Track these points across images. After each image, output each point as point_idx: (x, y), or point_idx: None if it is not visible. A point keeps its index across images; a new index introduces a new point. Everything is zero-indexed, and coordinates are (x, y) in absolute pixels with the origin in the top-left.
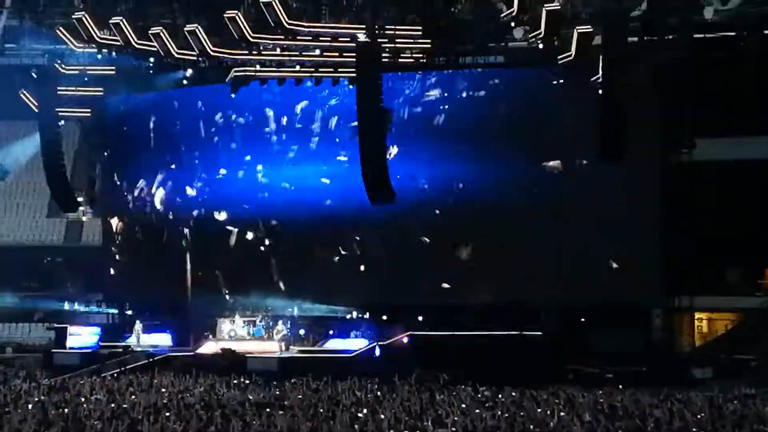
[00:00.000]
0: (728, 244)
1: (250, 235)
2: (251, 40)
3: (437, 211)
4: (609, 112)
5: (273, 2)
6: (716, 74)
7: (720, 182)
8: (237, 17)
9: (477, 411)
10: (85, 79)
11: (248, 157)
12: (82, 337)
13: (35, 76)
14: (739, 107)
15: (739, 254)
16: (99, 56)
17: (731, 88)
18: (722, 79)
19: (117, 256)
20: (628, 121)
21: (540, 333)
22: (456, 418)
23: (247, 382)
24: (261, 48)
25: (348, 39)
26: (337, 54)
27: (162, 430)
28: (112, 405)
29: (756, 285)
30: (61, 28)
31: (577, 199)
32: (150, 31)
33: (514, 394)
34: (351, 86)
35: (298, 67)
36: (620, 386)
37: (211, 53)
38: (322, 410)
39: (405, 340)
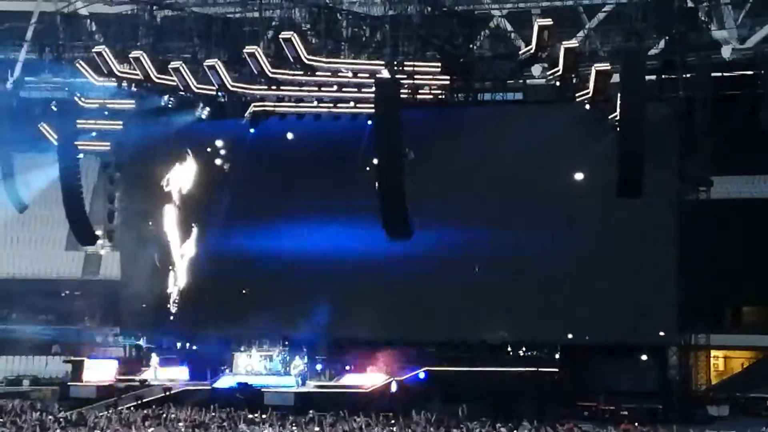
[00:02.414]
0: (744, 282)
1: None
2: (270, 75)
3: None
4: (626, 149)
5: (292, 38)
6: (733, 112)
7: (736, 220)
8: (256, 52)
9: None
10: (105, 112)
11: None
12: (99, 370)
13: (55, 109)
14: (755, 145)
15: (756, 292)
16: (119, 90)
17: (748, 127)
18: (739, 117)
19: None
20: (646, 158)
21: (556, 370)
22: None
23: (264, 416)
24: (280, 83)
25: (367, 75)
26: (356, 89)
27: None
28: None
29: None
30: (81, 61)
31: (593, 237)
32: (170, 66)
33: (530, 430)
34: (369, 122)
35: (316, 103)
36: (636, 423)
37: (231, 88)
38: None
39: (422, 375)
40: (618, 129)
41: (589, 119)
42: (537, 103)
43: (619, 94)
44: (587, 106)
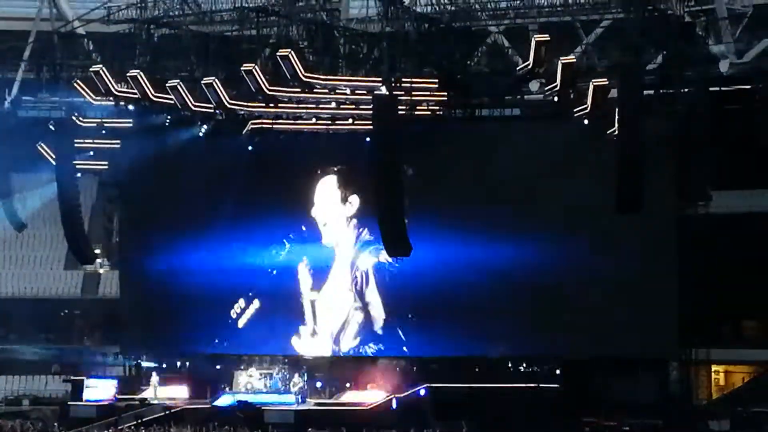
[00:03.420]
0: (745, 296)
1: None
2: (268, 92)
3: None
4: (625, 164)
5: (290, 55)
6: (732, 126)
7: (736, 234)
8: (254, 70)
9: None
10: (103, 131)
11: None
12: (98, 390)
13: (53, 128)
14: (754, 159)
15: (756, 306)
16: (116, 109)
17: (747, 140)
18: (738, 131)
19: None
20: (644, 173)
21: (557, 386)
22: None
23: None
24: (278, 100)
25: (364, 92)
26: (353, 106)
27: None
28: None
29: None
30: (78, 81)
31: (593, 252)
32: (167, 84)
33: None
34: (367, 139)
35: (314, 120)
36: None
37: (228, 106)
38: None
39: (422, 392)
40: (616, 144)
41: (587, 134)
42: (535, 119)
43: (616, 109)
44: (585, 122)
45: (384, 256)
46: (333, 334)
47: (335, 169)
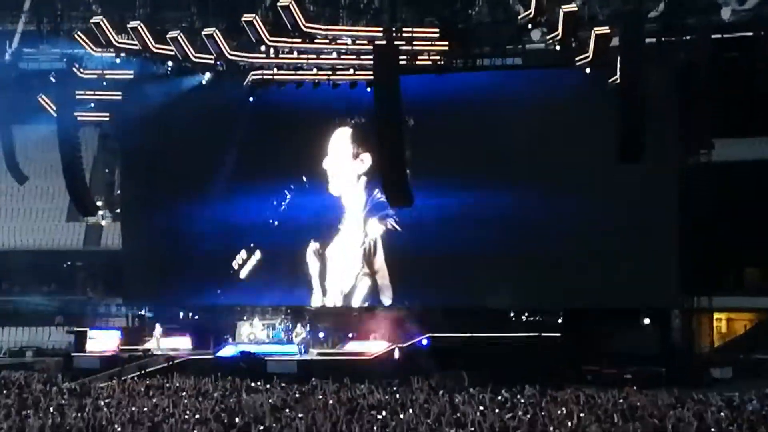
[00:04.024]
0: (747, 244)
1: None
2: (269, 43)
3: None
4: (627, 113)
5: (290, 5)
6: (734, 74)
7: (738, 182)
8: (254, 21)
9: (497, 412)
10: (104, 83)
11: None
12: (102, 341)
13: (53, 80)
14: (757, 107)
15: (758, 254)
16: (117, 60)
17: (749, 89)
18: (740, 79)
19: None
20: (646, 122)
21: (559, 335)
22: (476, 420)
23: (267, 385)
24: (278, 51)
25: (365, 42)
26: (354, 57)
27: None
28: (132, 408)
29: None
30: (79, 32)
31: (595, 201)
32: (168, 35)
33: (533, 395)
34: (369, 89)
35: (315, 70)
36: (639, 387)
37: (229, 57)
38: (341, 413)
39: (424, 342)
40: (618, 93)
41: (588, 83)
42: (536, 68)
43: (618, 58)
44: (587, 70)
45: (391, 223)
46: (343, 294)
47: (351, 122)
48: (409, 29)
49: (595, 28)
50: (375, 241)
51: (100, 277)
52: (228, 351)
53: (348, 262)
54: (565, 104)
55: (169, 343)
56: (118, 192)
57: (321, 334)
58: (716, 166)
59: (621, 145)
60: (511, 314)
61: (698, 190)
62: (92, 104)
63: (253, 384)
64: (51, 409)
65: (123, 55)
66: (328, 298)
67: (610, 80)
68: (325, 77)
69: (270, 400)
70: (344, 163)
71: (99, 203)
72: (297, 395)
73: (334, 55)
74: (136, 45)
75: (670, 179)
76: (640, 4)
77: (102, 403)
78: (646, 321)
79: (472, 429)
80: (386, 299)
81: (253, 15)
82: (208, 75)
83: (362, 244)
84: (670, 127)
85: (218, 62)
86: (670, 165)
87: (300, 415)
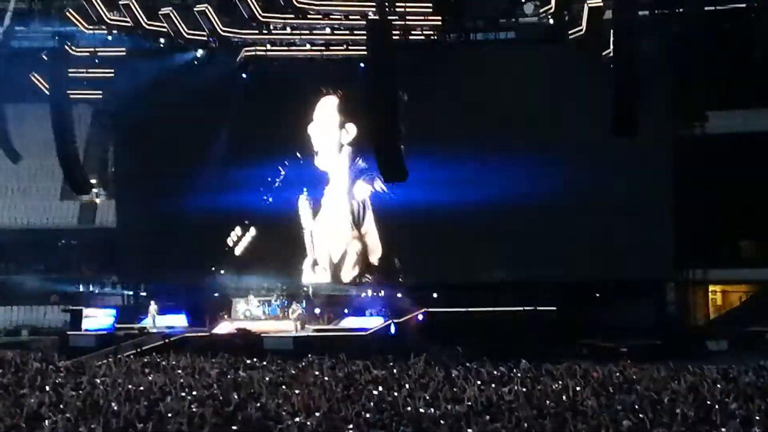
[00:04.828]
0: (741, 217)
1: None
2: (261, 19)
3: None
4: (621, 86)
5: None
6: (727, 46)
7: (733, 154)
8: None
9: (493, 386)
10: (96, 60)
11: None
12: (97, 319)
13: (46, 58)
14: (751, 79)
15: (753, 226)
16: (109, 38)
17: (742, 60)
18: (733, 50)
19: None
20: (640, 95)
21: (554, 308)
22: (472, 394)
23: (263, 362)
24: (271, 27)
25: (358, 17)
26: (347, 32)
27: (178, 411)
28: (129, 386)
29: None
30: (70, 10)
31: (589, 175)
32: (160, 12)
33: (529, 369)
34: (362, 64)
35: (308, 46)
36: (634, 360)
37: (222, 33)
38: (338, 388)
39: (420, 317)
40: (611, 66)
41: (582, 57)
42: (530, 42)
43: (611, 31)
44: (580, 44)
45: (379, 185)
46: (333, 264)
47: (339, 93)
48: (402, 4)
49: (588, 1)
50: (363, 202)
51: (95, 256)
52: (224, 328)
53: (339, 229)
54: (559, 79)
55: (164, 321)
56: (112, 170)
57: (317, 311)
58: (711, 138)
59: (615, 119)
60: (507, 289)
61: (692, 163)
62: (85, 82)
63: (249, 361)
64: (47, 388)
65: (115, 32)
66: (321, 268)
67: (604, 53)
68: (319, 53)
69: (266, 377)
70: (329, 132)
71: (93, 181)
72: (293, 372)
73: (327, 30)
74: (128, 22)
75: (664, 152)
76: None
77: (98, 381)
78: (642, 294)
79: (469, 403)
80: (374, 257)
81: None
82: (200, 52)
83: (350, 209)
84: (664, 99)
85: (211, 39)
86: (665, 137)
87: (296, 392)
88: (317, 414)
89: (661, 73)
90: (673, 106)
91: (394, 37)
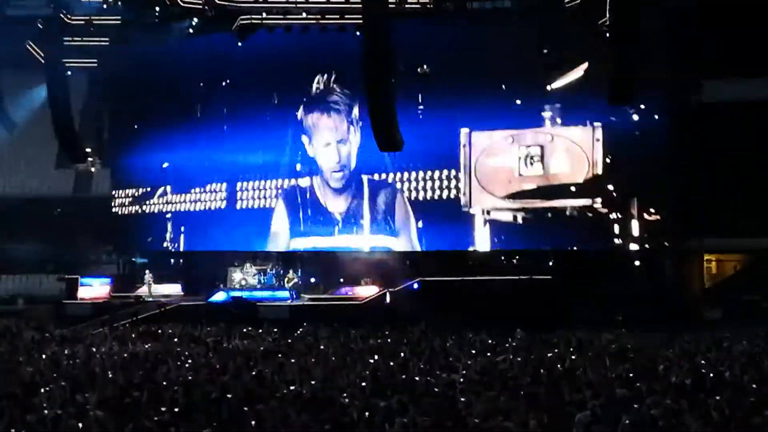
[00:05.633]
0: (737, 185)
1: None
2: None
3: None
4: (618, 55)
5: None
6: (724, 15)
7: (729, 123)
8: None
9: (488, 355)
10: (91, 29)
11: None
12: (93, 288)
13: (41, 27)
14: (747, 48)
15: (749, 195)
16: (105, 6)
17: (740, 29)
18: (731, 19)
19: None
20: (636, 65)
21: (549, 277)
22: (468, 363)
23: (259, 330)
24: None
25: None
26: (343, 0)
27: (174, 380)
28: (124, 355)
29: (765, 225)
30: None
31: (585, 143)
32: None
33: (524, 338)
34: (358, 32)
35: (304, 14)
36: (630, 329)
37: (217, 1)
38: (333, 357)
39: (415, 286)
40: (608, 35)
41: (579, 25)
42: (526, 11)
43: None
44: (576, 12)
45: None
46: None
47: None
48: None
49: None
50: (360, 178)
51: (91, 225)
52: (220, 297)
53: (339, 199)
54: (555, 47)
55: (160, 290)
56: (108, 138)
57: (312, 280)
58: (707, 107)
59: (612, 88)
60: (502, 258)
61: (689, 132)
62: (80, 50)
63: (245, 330)
64: (44, 357)
65: (110, 0)
66: (317, 233)
67: (600, 21)
68: (314, 21)
69: (262, 346)
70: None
71: (88, 150)
72: (289, 341)
73: None
74: None
75: (660, 120)
76: None
77: (94, 349)
78: (637, 263)
79: (464, 372)
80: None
81: None
82: (196, 20)
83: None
84: (661, 68)
85: (206, 7)
86: (661, 106)
87: (292, 361)
88: (313, 383)
89: (657, 41)
90: (671, 74)
91: (390, 5)
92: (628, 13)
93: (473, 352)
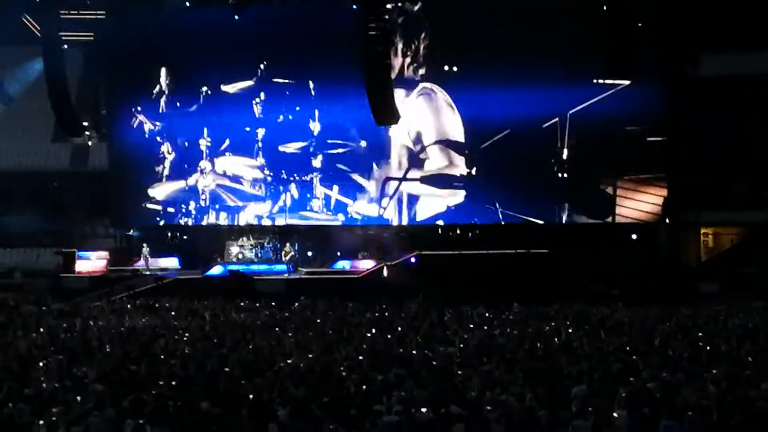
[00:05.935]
0: (734, 159)
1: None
2: None
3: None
4: (615, 28)
5: None
6: None
7: (726, 97)
8: None
9: (485, 329)
10: (88, 2)
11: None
12: (90, 262)
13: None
14: (744, 21)
15: (745, 168)
16: None
17: (736, 2)
18: None
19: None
20: (634, 38)
21: (546, 251)
22: (465, 336)
23: (256, 304)
24: None
25: None
26: None
27: (172, 353)
28: (122, 328)
29: (762, 199)
30: None
31: (581, 117)
32: None
33: (520, 311)
34: (354, 6)
35: None
36: (626, 303)
37: None
38: (331, 331)
39: (412, 260)
40: (604, 6)
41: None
42: None
43: None
44: None
45: None
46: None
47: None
48: None
49: None
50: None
51: (88, 198)
52: (217, 270)
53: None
54: (551, 19)
55: (157, 263)
56: (104, 112)
57: (309, 253)
58: (703, 80)
59: (609, 62)
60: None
61: (685, 105)
62: (76, 23)
63: (242, 303)
64: (41, 330)
65: None
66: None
67: None
68: None
69: (259, 320)
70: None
71: (85, 123)
72: (286, 314)
73: None
74: None
75: (656, 94)
76: None
77: (92, 323)
78: (633, 236)
79: (461, 345)
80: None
81: None
82: None
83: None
84: (656, 41)
85: None
86: (657, 79)
87: (289, 334)
88: (310, 356)
89: (654, 14)
90: (666, 47)
91: None
92: None
93: (470, 325)
